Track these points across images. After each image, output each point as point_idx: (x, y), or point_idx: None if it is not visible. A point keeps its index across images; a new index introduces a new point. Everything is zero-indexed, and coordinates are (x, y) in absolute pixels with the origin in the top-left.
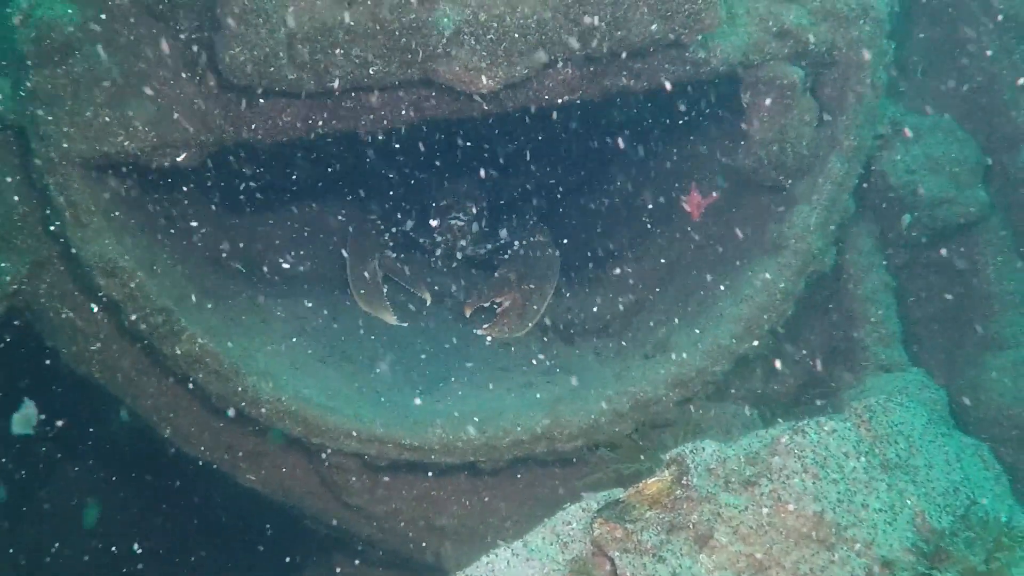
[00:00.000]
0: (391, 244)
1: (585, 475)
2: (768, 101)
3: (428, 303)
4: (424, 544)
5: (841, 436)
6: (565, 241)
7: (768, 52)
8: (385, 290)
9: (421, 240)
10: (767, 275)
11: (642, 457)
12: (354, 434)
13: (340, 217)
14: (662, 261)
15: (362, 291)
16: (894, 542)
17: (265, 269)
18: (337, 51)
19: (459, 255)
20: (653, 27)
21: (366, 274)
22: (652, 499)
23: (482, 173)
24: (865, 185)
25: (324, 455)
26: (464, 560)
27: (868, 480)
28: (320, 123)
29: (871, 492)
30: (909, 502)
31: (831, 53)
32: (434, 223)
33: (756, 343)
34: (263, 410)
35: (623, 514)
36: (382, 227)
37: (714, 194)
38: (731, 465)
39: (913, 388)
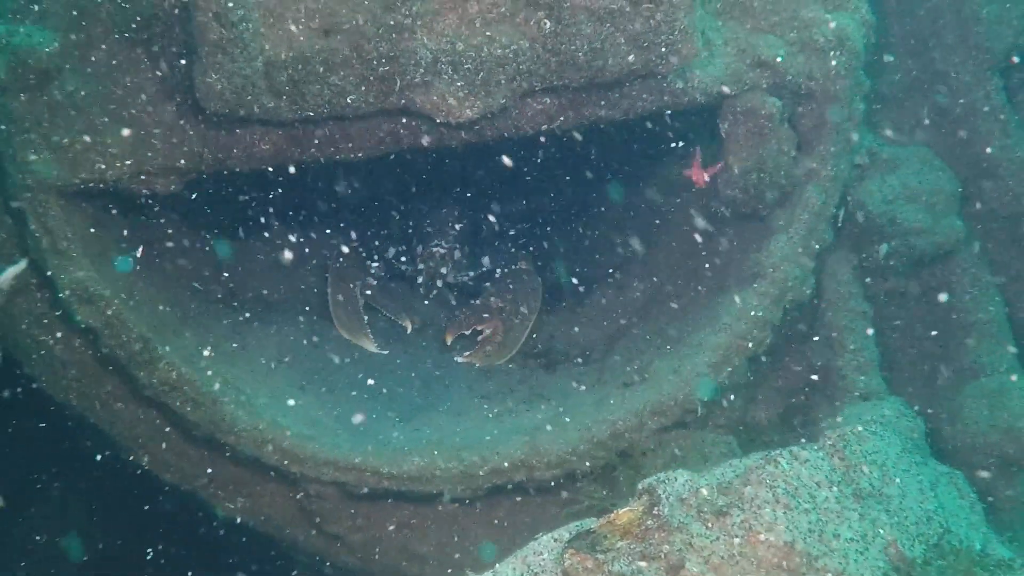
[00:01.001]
0: (373, 271)
1: (566, 505)
2: (746, 131)
3: (409, 331)
4: (404, 573)
5: (814, 465)
6: (547, 269)
7: (746, 82)
8: (366, 318)
9: (403, 268)
10: (745, 304)
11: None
12: (332, 463)
13: (322, 244)
14: (643, 290)
15: (342, 318)
16: (865, 571)
17: (246, 295)
18: (314, 80)
19: (440, 283)
20: (631, 58)
21: (347, 301)
22: (623, 529)
23: (464, 201)
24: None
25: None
26: None
27: (840, 510)
28: (298, 151)
29: (843, 521)
30: (881, 531)
31: (808, 84)
32: (416, 251)
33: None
34: (240, 438)
35: (594, 544)
36: (364, 254)
37: (720, 164)
38: (703, 495)
39: (891, 416)
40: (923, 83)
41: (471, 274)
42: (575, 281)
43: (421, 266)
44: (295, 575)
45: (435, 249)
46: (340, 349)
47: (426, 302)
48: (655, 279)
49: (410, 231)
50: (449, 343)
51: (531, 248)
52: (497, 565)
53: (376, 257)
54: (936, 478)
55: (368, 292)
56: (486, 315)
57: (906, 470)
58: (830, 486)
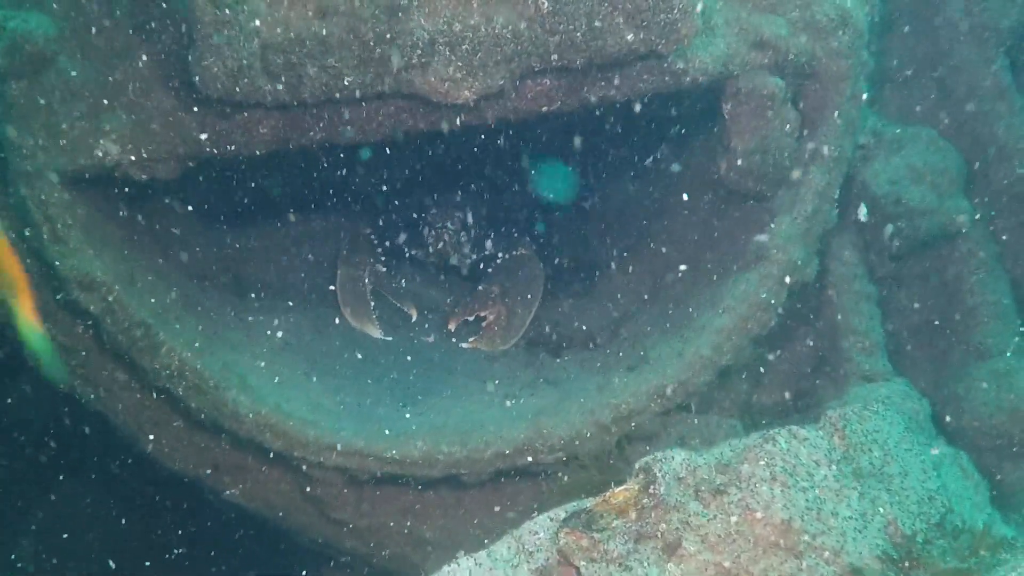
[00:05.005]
0: (382, 257)
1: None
2: (748, 112)
3: (414, 318)
4: (409, 558)
5: (812, 444)
6: (553, 253)
7: (748, 63)
8: (372, 303)
9: (412, 251)
10: (749, 286)
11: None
12: (335, 447)
13: (328, 231)
14: (648, 274)
15: (350, 303)
16: (864, 549)
17: (251, 283)
18: (311, 62)
19: (447, 265)
20: (629, 37)
21: (355, 286)
22: (619, 508)
23: (469, 185)
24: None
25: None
26: None
27: (839, 488)
28: (298, 135)
29: (842, 500)
30: (881, 510)
31: (811, 64)
32: (424, 232)
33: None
34: (243, 424)
35: (590, 523)
36: (374, 239)
37: None
38: (701, 474)
39: (896, 398)
40: (928, 62)
41: (474, 257)
42: (580, 266)
43: (430, 247)
44: None
45: (442, 231)
46: (344, 336)
47: (441, 278)
48: (660, 263)
49: (417, 215)
50: (452, 329)
51: (535, 233)
52: (492, 544)
53: (387, 242)
54: (940, 459)
55: (376, 277)
56: (489, 301)
57: (908, 450)
58: (829, 464)
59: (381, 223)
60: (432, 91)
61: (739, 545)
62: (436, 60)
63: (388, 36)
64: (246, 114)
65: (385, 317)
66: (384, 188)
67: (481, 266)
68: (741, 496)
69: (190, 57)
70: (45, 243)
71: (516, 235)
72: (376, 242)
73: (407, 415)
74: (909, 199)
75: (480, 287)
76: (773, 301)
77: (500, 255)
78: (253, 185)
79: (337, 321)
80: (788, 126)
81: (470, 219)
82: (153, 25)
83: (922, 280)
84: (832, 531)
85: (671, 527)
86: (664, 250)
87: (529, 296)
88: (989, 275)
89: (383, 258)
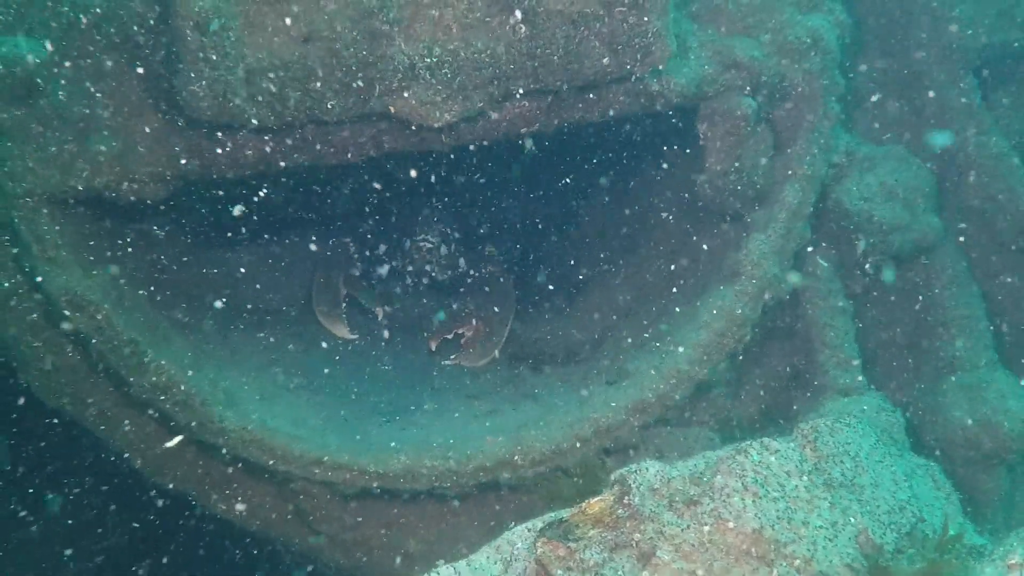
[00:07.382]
0: (359, 265)
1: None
2: (723, 132)
3: (380, 317)
4: (394, 571)
5: (784, 456)
6: (534, 270)
7: (722, 84)
8: (345, 304)
9: (392, 263)
10: (725, 302)
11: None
12: (320, 462)
13: (310, 249)
14: (628, 291)
15: (323, 305)
16: (834, 558)
17: (236, 300)
18: (295, 87)
19: (425, 278)
20: (605, 60)
21: (328, 289)
22: (595, 518)
23: (450, 201)
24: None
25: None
26: None
27: (810, 498)
28: (282, 157)
29: (812, 510)
30: (852, 520)
31: (784, 85)
32: (404, 245)
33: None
34: (229, 440)
35: (566, 533)
36: (354, 251)
37: None
38: (676, 485)
39: (870, 411)
40: (899, 82)
41: (450, 272)
42: (561, 282)
43: (411, 258)
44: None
45: (422, 243)
46: (330, 352)
47: (415, 301)
48: (639, 280)
49: (398, 227)
50: (434, 348)
51: (510, 250)
52: (472, 555)
53: (368, 253)
54: (911, 470)
55: (350, 281)
56: (465, 318)
57: (879, 461)
58: (800, 475)
59: (360, 233)
60: (413, 114)
61: (712, 554)
62: (417, 84)
63: (370, 61)
64: (232, 136)
65: (373, 334)
66: (365, 203)
67: (455, 281)
68: (714, 506)
69: (176, 82)
70: (36, 263)
71: (487, 251)
72: (354, 251)
73: (390, 430)
74: (881, 216)
75: (455, 304)
76: (748, 316)
77: (472, 271)
78: (239, 205)
79: (320, 337)
80: (762, 146)
81: (448, 233)
82: (140, 50)
83: (895, 295)
84: (803, 540)
85: (646, 537)
86: (643, 267)
87: (502, 311)
88: (960, 289)
89: (359, 265)
